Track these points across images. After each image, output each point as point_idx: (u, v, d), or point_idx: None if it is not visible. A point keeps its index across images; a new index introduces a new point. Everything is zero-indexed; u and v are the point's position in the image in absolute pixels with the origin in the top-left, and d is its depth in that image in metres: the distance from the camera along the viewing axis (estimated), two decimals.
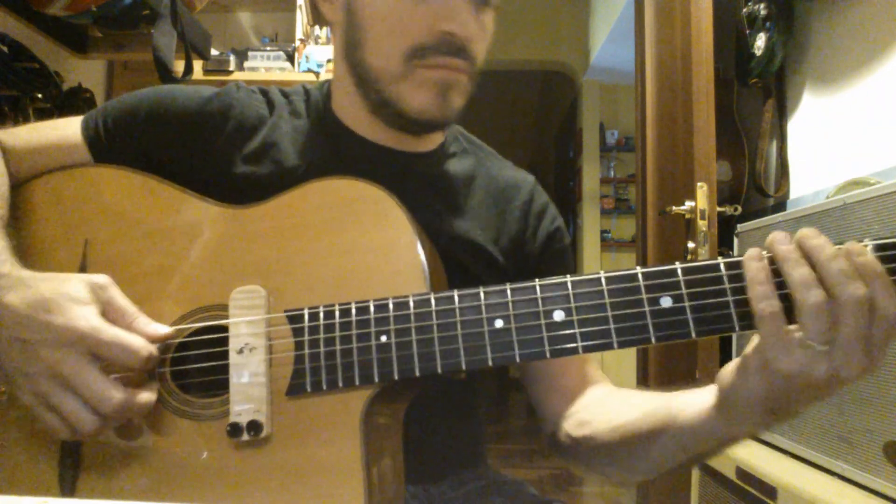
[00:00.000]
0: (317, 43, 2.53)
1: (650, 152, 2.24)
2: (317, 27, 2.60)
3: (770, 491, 1.21)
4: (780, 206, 2.03)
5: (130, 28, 1.70)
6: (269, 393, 0.55)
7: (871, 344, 0.45)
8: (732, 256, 0.49)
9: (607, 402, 0.70)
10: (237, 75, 2.28)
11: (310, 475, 0.54)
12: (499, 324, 0.52)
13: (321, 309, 0.56)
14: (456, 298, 0.53)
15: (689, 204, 1.83)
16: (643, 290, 0.49)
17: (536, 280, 0.52)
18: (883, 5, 1.63)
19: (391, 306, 0.54)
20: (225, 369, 0.56)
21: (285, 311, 0.57)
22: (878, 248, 0.46)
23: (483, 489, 0.74)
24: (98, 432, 0.54)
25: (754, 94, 2.15)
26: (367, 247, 0.58)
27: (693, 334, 0.48)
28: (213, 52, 2.11)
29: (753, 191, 2.15)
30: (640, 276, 0.50)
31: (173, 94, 0.73)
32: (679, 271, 0.49)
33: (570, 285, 0.51)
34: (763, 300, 0.46)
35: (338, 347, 0.54)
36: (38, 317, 0.53)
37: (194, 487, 0.56)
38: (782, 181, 2.05)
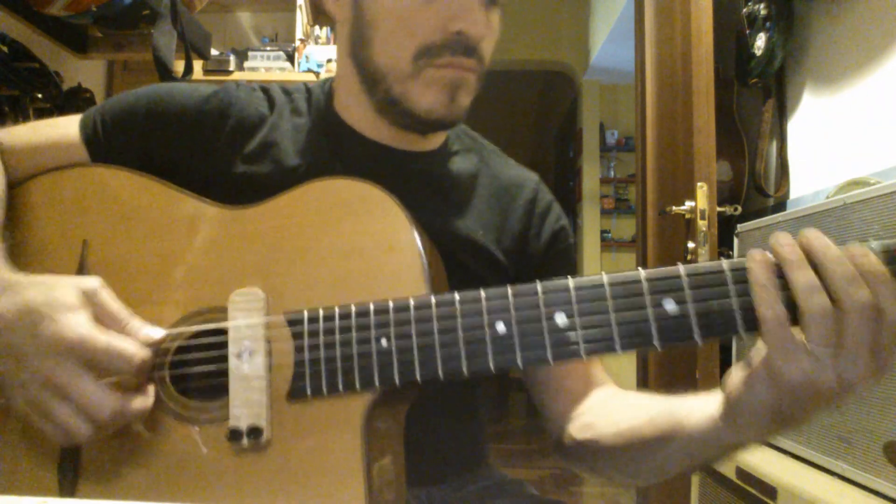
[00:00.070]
0: (317, 43, 2.53)
1: (650, 152, 2.24)
2: (317, 27, 2.60)
3: (770, 491, 1.21)
4: (780, 206, 2.03)
5: (130, 28, 1.71)
6: (269, 397, 0.55)
7: (878, 350, 0.44)
8: (734, 257, 0.48)
9: (612, 405, 0.69)
10: (237, 75, 2.28)
11: (310, 480, 0.53)
12: (500, 327, 0.51)
13: (320, 312, 0.55)
14: (457, 301, 0.52)
15: (689, 204, 1.83)
16: (647, 293, 0.48)
17: (538, 283, 0.52)
18: (883, 5, 1.63)
19: (391, 309, 0.53)
20: (224, 373, 0.56)
21: (284, 315, 0.56)
22: (883, 249, 0.45)
23: (484, 490, 0.73)
24: (94, 438, 0.54)
25: (754, 94, 2.15)
26: (368, 248, 0.57)
27: (697, 338, 0.47)
28: (213, 52, 2.11)
29: (753, 191, 2.15)
30: (643, 278, 0.49)
31: (172, 93, 0.72)
32: (683, 274, 0.48)
33: (572, 288, 0.50)
34: (766, 305, 0.45)
35: (338, 351, 0.54)
36: (28, 325, 0.52)
37: (194, 491, 0.55)
38: (782, 181, 2.05)
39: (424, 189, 0.73)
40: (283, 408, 0.55)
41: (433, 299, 0.53)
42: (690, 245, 1.81)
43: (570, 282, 0.51)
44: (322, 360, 0.54)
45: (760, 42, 1.96)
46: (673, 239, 2.00)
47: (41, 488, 0.58)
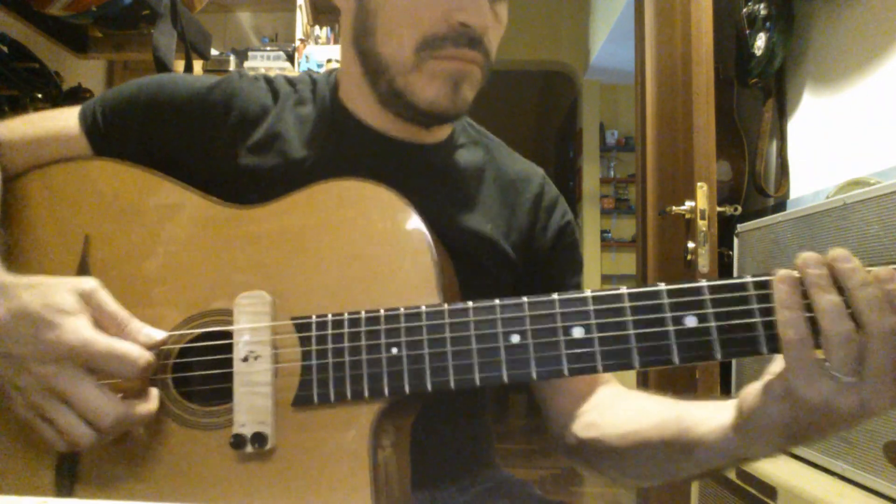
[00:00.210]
0: (317, 43, 2.54)
1: (650, 152, 2.24)
2: (317, 27, 2.60)
3: (770, 491, 1.21)
4: (780, 206, 2.03)
5: (130, 28, 1.71)
6: (274, 404, 0.53)
7: None
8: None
9: (617, 405, 0.68)
10: None
11: (315, 489, 0.52)
12: (515, 339, 0.49)
13: (329, 317, 0.54)
14: (471, 311, 0.51)
15: (689, 204, 1.83)
16: (667, 308, 0.47)
17: (555, 294, 0.50)
18: (883, 5, 1.63)
19: (403, 317, 0.52)
20: (229, 377, 0.54)
21: (292, 319, 0.55)
22: None
23: (489, 491, 0.73)
24: (96, 444, 0.52)
25: (754, 94, 2.15)
26: (378, 252, 0.56)
27: (718, 356, 0.46)
28: (213, 52, 2.12)
29: (753, 191, 2.15)
30: (664, 293, 0.47)
31: (174, 83, 0.71)
32: (705, 289, 0.47)
33: (590, 301, 0.49)
34: (789, 326, 0.44)
35: (347, 358, 0.52)
36: (26, 330, 0.51)
37: (195, 498, 0.54)
38: (782, 181, 2.05)
39: (432, 181, 0.72)
40: (289, 415, 0.54)
41: (446, 308, 0.51)
42: (690, 245, 1.81)
43: (588, 294, 0.49)
44: (330, 367, 0.53)
45: (760, 42, 1.96)
46: (673, 239, 2.00)
47: (38, 491, 0.57)
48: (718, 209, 1.83)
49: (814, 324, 0.44)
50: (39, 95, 1.70)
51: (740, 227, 1.64)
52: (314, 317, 0.54)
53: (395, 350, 0.51)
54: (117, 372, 0.52)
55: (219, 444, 0.55)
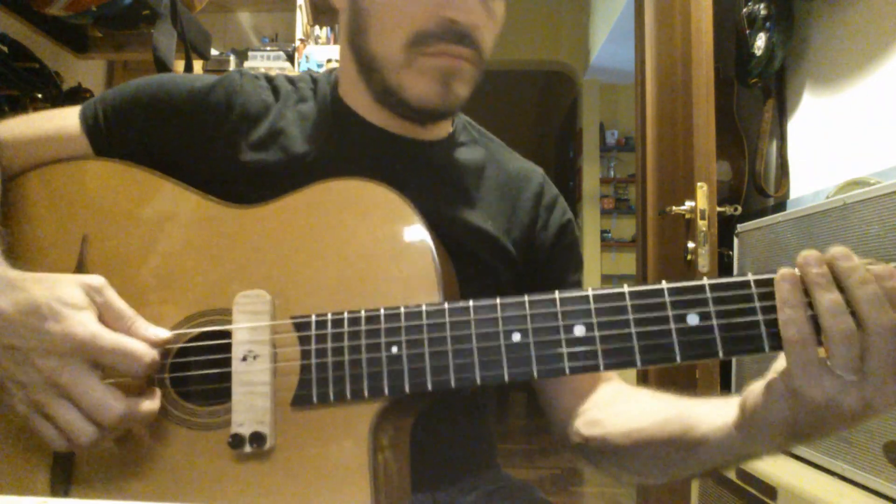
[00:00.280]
0: (317, 43, 2.54)
1: (650, 152, 2.24)
2: (317, 27, 2.60)
3: (770, 491, 1.21)
4: (780, 206, 2.03)
5: (130, 28, 1.71)
6: (273, 403, 0.53)
7: None
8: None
9: (620, 402, 0.68)
10: None
11: (314, 490, 0.52)
12: (516, 337, 0.49)
13: (329, 316, 0.53)
14: (471, 309, 0.50)
15: (689, 204, 1.83)
16: (669, 305, 0.47)
17: (556, 293, 0.50)
18: (883, 5, 1.63)
19: (403, 316, 0.52)
20: (227, 377, 0.54)
21: (292, 318, 0.54)
22: None
23: (492, 494, 0.72)
24: (96, 444, 0.52)
25: (754, 94, 2.15)
26: (378, 252, 0.55)
27: (720, 354, 0.46)
28: (213, 52, 2.12)
29: (753, 191, 2.15)
30: (665, 291, 0.47)
31: (175, 82, 0.71)
32: (707, 288, 0.47)
33: (591, 299, 0.49)
34: (791, 325, 0.44)
35: (346, 358, 0.52)
36: (32, 323, 0.51)
37: (193, 499, 0.54)
38: (782, 181, 2.05)
39: (432, 178, 0.73)
40: (288, 414, 0.53)
41: (446, 306, 0.51)
42: (690, 245, 1.81)
43: (590, 292, 0.49)
44: (329, 366, 0.52)
45: (760, 42, 1.96)
46: (673, 239, 2.00)
47: (33, 494, 0.56)
48: (718, 209, 1.83)
49: (815, 322, 0.44)
50: (39, 95, 1.70)
51: (740, 227, 1.64)
52: (313, 316, 0.54)
53: (395, 349, 0.51)
54: (123, 368, 0.52)
55: (217, 444, 0.54)
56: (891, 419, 1.02)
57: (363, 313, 0.53)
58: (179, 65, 1.71)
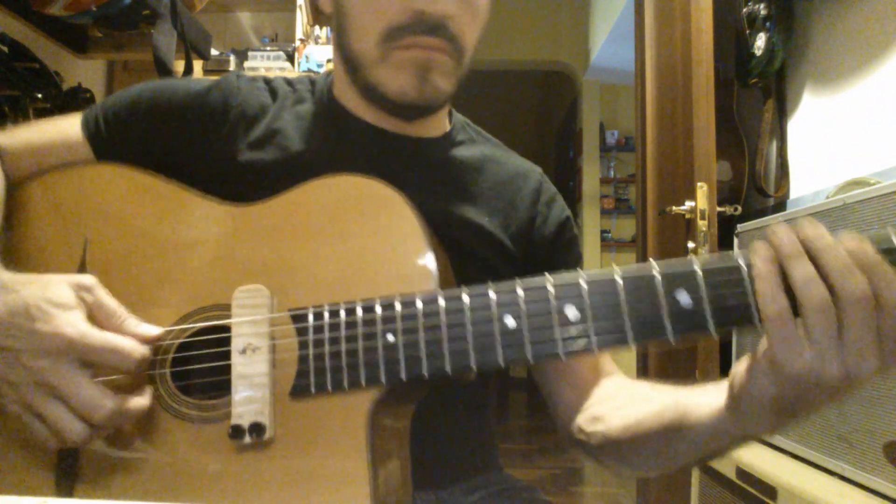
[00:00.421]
0: (317, 43, 2.53)
1: (650, 152, 2.24)
2: (317, 27, 2.60)
3: (770, 491, 1.21)
4: (781, 206, 2.03)
5: (130, 28, 1.70)
6: (272, 394, 0.54)
7: (883, 340, 0.42)
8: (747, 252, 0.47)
9: (620, 397, 0.68)
10: None
11: (314, 479, 0.53)
12: (510, 322, 0.50)
13: (325, 308, 0.54)
14: (465, 296, 0.51)
15: (689, 204, 1.83)
16: (660, 283, 0.48)
17: (548, 276, 0.51)
18: (883, 5, 1.63)
19: (398, 305, 0.52)
20: (227, 370, 0.55)
21: (289, 311, 0.55)
22: (878, 239, 0.44)
23: (494, 495, 0.72)
24: (88, 441, 0.53)
25: (754, 94, 2.16)
26: (376, 248, 0.56)
27: (712, 330, 0.46)
28: (213, 52, 2.11)
29: (753, 191, 2.15)
30: (655, 271, 0.48)
31: (173, 87, 0.72)
32: (696, 266, 0.47)
33: (583, 282, 0.49)
34: (768, 298, 0.44)
35: (343, 348, 0.53)
36: (22, 324, 0.51)
37: (195, 491, 0.54)
38: (782, 181, 2.05)
39: (430, 175, 0.73)
40: (287, 405, 0.54)
41: (440, 294, 0.52)
42: (690, 245, 1.81)
43: (582, 276, 0.50)
44: (326, 356, 0.53)
45: (760, 42, 1.96)
46: (673, 239, 2.00)
47: (38, 490, 0.57)
48: (718, 209, 1.83)
49: (792, 295, 0.44)
50: (39, 95, 1.70)
51: (740, 227, 1.64)
52: (310, 308, 0.55)
53: (390, 337, 0.52)
54: (112, 365, 0.53)
55: (218, 437, 0.55)
56: (891, 419, 1.02)
57: (359, 304, 0.53)
58: (179, 65, 1.71)
